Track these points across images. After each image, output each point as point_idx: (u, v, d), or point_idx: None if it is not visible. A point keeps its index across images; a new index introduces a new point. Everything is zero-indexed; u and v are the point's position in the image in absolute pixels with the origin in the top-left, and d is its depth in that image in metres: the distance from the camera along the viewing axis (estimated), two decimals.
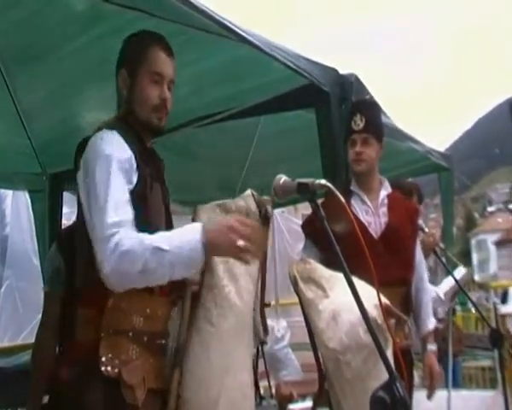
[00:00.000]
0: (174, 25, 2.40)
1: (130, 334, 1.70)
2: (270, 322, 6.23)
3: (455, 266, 3.69)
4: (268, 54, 2.51)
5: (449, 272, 3.35)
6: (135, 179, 1.68)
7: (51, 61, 2.78)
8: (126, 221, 1.56)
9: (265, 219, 1.91)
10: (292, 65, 2.64)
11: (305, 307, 2.17)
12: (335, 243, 1.42)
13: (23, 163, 3.94)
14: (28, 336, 4.71)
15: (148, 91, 1.77)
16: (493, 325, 3.72)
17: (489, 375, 6.35)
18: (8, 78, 3.06)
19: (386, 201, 2.66)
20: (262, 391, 5.20)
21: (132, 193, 1.65)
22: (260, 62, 2.71)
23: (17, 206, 5.11)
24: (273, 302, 7.35)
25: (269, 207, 1.91)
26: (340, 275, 2.06)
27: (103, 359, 1.64)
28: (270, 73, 2.88)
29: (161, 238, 1.54)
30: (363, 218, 2.58)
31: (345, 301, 2.09)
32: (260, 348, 5.06)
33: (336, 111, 2.85)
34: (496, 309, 5.23)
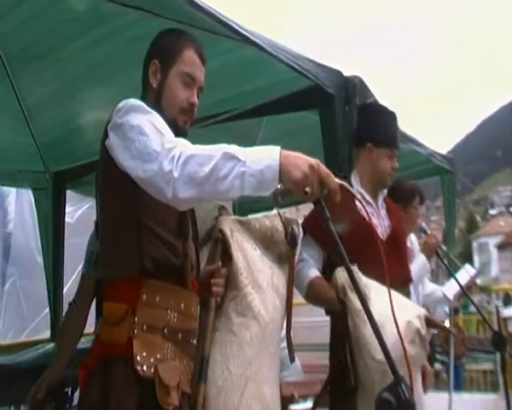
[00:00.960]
0: (177, 25, 2.40)
1: (165, 331, 1.61)
2: None
3: (457, 269, 3.68)
4: (272, 55, 2.51)
5: (451, 275, 3.35)
6: None
7: (55, 60, 2.79)
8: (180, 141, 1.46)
9: (292, 240, 1.90)
10: (296, 66, 2.64)
11: (353, 316, 2.15)
12: (340, 244, 1.41)
13: (27, 161, 3.95)
14: (31, 333, 4.73)
15: (178, 92, 1.75)
16: (495, 327, 3.71)
17: (490, 378, 6.35)
18: (13, 76, 3.07)
19: (384, 204, 2.68)
20: None
21: None
22: (264, 63, 2.71)
23: (20, 204, 5.12)
24: None
25: (295, 227, 1.89)
26: (375, 283, 2.08)
27: (138, 358, 1.54)
28: (274, 74, 2.87)
29: (234, 148, 1.42)
30: (372, 219, 2.58)
31: (386, 312, 2.14)
32: None
33: (340, 113, 2.84)
34: (498, 312, 5.22)
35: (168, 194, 1.41)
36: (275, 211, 1.93)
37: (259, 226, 1.88)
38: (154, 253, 1.61)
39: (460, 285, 3.20)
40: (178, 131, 1.71)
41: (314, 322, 6.86)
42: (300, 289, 2.45)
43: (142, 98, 1.76)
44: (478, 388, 6.40)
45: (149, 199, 1.51)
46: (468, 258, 48.20)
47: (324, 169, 1.39)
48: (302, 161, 1.39)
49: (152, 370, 1.54)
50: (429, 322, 2.22)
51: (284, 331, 6.54)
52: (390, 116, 2.71)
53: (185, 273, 1.66)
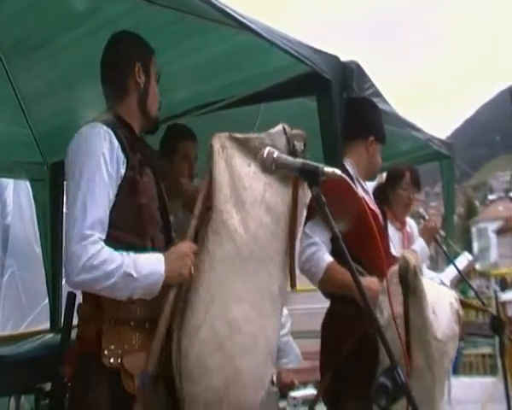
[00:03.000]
0: (174, 13, 2.39)
1: (132, 323, 1.74)
2: None
3: (456, 255, 3.69)
4: (269, 41, 2.49)
5: (450, 260, 3.36)
6: (123, 169, 1.75)
7: (51, 50, 2.78)
8: (102, 226, 1.68)
9: (293, 155, 1.82)
10: (293, 52, 2.63)
11: (422, 299, 2.22)
12: (336, 229, 1.42)
13: (24, 152, 3.93)
14: (31, 324, 4.73)
15: (156, 91, 1.97)
16: (494, 312, 3.72)
17: (489, 362, 6.39)
18: (9, 67, 3.06)
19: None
20: None
21: (123, 180, 1.74)
22: (261, 50, 2.69)
23: (18, 195, 5.11)
24: None
25: (297, 144, 1.83)
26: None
27: (106, 352, 1.68)
28: (270, 60, 2.86)
29: (132, 263, 1.66)
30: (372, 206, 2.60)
31: (432, 294, 2.26)
32: None
33: (337, 99, 2.83)
34: (497, 297, 5.25)
35: (69, 277, 1.65)
36: (280, 126, 1.86)
37: (259, 144, 1.81)
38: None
39: (458, 270, 3.21)
40: (154, 123, 2.00)
41: (313, 309, 6.89)
42: (315, 273, 2.41)
43: (118, 102, 1.91)
44: (477, 372, 6.44)
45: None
46: (467, 244, 48.34)
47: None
48: (178, 266, 1.74)
49: (118, 360, 1.69)
50: (462, 303, 2.47)
51: (283, 320, 6.52)
52: (381, 114, 2.80)
53: None
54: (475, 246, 55.46)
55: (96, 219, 1.65)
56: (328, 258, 2.39)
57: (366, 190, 2.65)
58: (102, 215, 1.68)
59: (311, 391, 5.26)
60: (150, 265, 1.70)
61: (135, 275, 1.65)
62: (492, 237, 55.36)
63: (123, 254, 1.66)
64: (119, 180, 1.74)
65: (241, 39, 2.64)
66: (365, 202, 2.40)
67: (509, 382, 3.93)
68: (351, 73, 2.91)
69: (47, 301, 4.10)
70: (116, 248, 1.69)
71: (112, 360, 1.68)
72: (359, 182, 2.62)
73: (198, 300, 1.76)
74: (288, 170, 1.64)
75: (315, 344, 2.66)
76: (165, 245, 1.85)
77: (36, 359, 2.58)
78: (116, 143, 1.74)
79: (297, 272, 2.02)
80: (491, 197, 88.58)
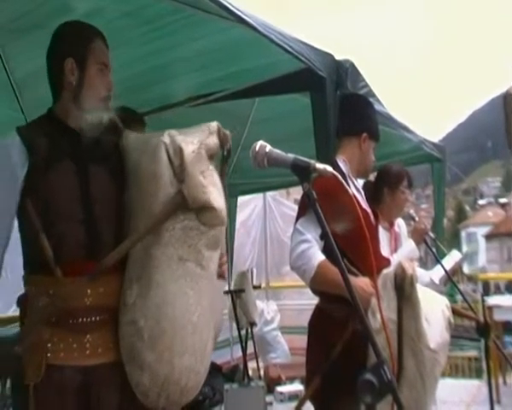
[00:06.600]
0: (169, 3, 2.38)
1: (39, 315, 1.74)
2: (260, 304, 6.28)
3: (445, 256, 3.70)
4: (265, 36, 2.49)
5: (438, 262, 3.36)
6: (20, 174, 1.75)
7: (46, 33, 2.74)
8: None
9: (227, 157, 1.85)
10: (288, 48, 2.63)
11: (417, 308, 2.24)
12: (326, 225, 1.41)
13: (15, 135, 3.91)
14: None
15: (98, 84, 1.85)
16: (480, 315, 3.74)
17: (475, 365, 6.42)
18: (2, 50, 3.04)
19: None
20: (251, 372, 5.24)
21: (25, 181, 1.74)
22: (257, 44, 2.69)
23: None
24: (263, 285, 7.38)
25: (228, 144, 1.82)
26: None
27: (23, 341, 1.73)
28: (266, 55, 2.86)
29: None
30: (364, 205, 2.59)
31: (425, 301, 2.29)
32: (250, 330, 5.10)
33: (331, 96, 2.83)
34: (483, 301, 5.27)
35: None
36: (214, 124, 1.83)
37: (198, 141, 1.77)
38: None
39: (445, 270, 3.21)
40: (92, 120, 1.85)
41: (302, 305, 6.91)
42: (306, 271, 2.34)
43: (57, 98, 1.90)
44: (463, 374, 6.47)
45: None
46: (456, 247, 48.42)
47: None
48: None
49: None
50: (453, 311, 2.52)
51: (272, 315, 6.47)
52: (375, 111, 2.75)
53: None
54: (464, 250, 55.77)
55: None
56: (319, 256, 2.34)
57: (358, 188, 2.62)
58: None
59: (298, 387, 5.28)
60: None
61: None
62: (481, 241, 55.70)
63: None
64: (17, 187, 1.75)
65: (237, 33, 2.64)
66: (357, 200, 2.37)
67: (494, 385, 3.95)
68: (345, 72, 2.92)
69: None
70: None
71: (16, 349, 1.73)
72: (351, 180, 2.59)
73: (204, 318, 1.78)
74: (280, 165, 1.63)
75: (303, 340, 2.65)
76: (87, 237, 1.78)
77: None
78: (14, 151, 1.79)
79: (288, 268, 2.01)
80: (481, 202, 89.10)
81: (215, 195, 1.72)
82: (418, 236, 3.22)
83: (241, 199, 6.46)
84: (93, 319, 1.76)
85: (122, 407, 1.78)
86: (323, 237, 1.39)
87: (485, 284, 9.96)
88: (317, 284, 2.39)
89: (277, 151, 1.61)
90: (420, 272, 3.53)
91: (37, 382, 1.68)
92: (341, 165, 2.56)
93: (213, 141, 1.80)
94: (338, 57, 3.00)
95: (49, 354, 1.71)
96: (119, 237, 1.80)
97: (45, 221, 1.74)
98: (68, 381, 1.72)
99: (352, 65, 2.99)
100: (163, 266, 1.71)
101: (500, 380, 5.55)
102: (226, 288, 4.56)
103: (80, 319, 1.75)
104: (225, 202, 1.78)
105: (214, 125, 1.83)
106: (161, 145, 1.72)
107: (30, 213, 1.74)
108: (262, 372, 5.62)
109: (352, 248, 2.09)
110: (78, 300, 1.73)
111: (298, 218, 2.45)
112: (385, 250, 3.01)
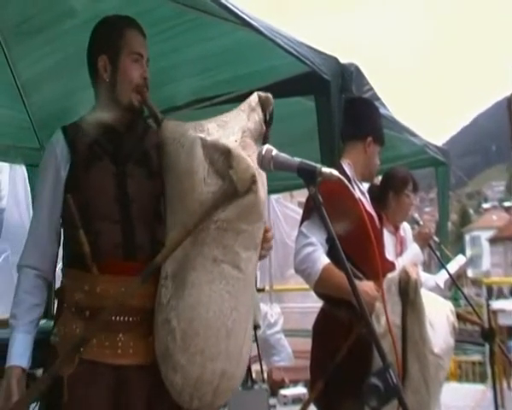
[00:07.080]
0: (175, 6, 2.38)
1: (73, 309, 1.77)
2: (263, 307, 6.27)
3: (449, 260, 3.68)
4: (270, 39, 2.49)
5: (443, 266, 3.35)
6: (63, 172, 1.79)
7: (51, 36, 2.77)
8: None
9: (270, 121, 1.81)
10: (293, 51, 2.62)
11: (421, 313, 2.25)
12: (332, 230, 1.41)
13: (21, 137, 3.92)
14: None
15: (131, 72, 1.84)
16: (485, 319, 3.72)
17: (479, 369, 6.40)
18: (9, 51, 3.06)
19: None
20: (254, 375, 5.23)
21: (67, 180, 1.79)
22: (261, 47, 2.69)
23: (14, 179, 5.06)
24: (267, 288, 7.37)
25: (270, 108, 1.78)
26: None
27: (54, 330, 1.80)
28: (270, 58, 2.86)
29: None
30: (369, 209, 2.58)
31: (430, 306, 2.31)
32: (253, 333, 5.09)
33: (336, 100, 2.83)
34: (488, 305, 5.26)
35: None
36: (255, 97, 1.78)
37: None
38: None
39: (450, 274, 3.20)
40: (134, 113, 1.86)
41: (305, 308, 6.89)
42: (310, 274, 2.35)
43: (97, 96, 1.90)
44: (467, 378, 6.46)
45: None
46: (460, 251, 48.37)
47: None
48: None
49: (57, 339, 1.78)
50: (458, 316, 2.58)
51: (275, 317, 6.45)
52: (381, 115, 2.76)
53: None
54: (468, 254, 55.61)
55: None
56: (324, 259, 2.34)
57: (363, 191, 2.62)
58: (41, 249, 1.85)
59: (301, 390, 5.28)
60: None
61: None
62: (485, 245, 55.54)
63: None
64: (61, 185, 1.80)
65: (242, 36, 2.64)
66: (362, 204, 2.38)
67: (498, 390, 3.93)
68: (350, 76, 2.91)
69: None
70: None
71: (52, 339, 1.79)
72: (356, 183, 2.60)
73: (239, 324, 1.73)
74: (286, 169, 1.63)
75: (307, 343, 2.65)
76: (123, 237, 1.79)
77: None
78: (58, 150, 1.80)
79: (292, 271, 2.00)
80: (485, 206, 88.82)
81: (259, 185, 1.68)
82: (423, 240, 3.21)
83: None
84: (126, 319, 1.77)
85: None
86: (329, 240, 1.38)
87: (488, 288, 9.94)
88: (322, 287, 2.40)
89: (283, 155, 1.61)
90: (425, 277, 3.53)
91: (69, 373, 1.69)
92: (346, 169, 2.56)
93: (255, 120, 1.76)
94: (338, 57, 3.00)
95: (81, 349, 1.71)
96: (154, 238, 1.81)
97: (84, 218, 1.75)
98: (100, 376, 1.73)
99: (357, 68, 2.99)
100: (198, 266, 1.67)
101: (504, 385, 5.53)
102: None
103: (113, 318, 1.74)
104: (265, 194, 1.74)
105: (255, 98, 1.79)
106: (197, 141, 1.69)
107: (70, 208, 1.75)
108: (265, 375, 5.62)
109: (357, 251, 2.09)
110: (111, 298, 1.72)
111: (302, 221, 2.45)
112: (390, 254, 3.00)
